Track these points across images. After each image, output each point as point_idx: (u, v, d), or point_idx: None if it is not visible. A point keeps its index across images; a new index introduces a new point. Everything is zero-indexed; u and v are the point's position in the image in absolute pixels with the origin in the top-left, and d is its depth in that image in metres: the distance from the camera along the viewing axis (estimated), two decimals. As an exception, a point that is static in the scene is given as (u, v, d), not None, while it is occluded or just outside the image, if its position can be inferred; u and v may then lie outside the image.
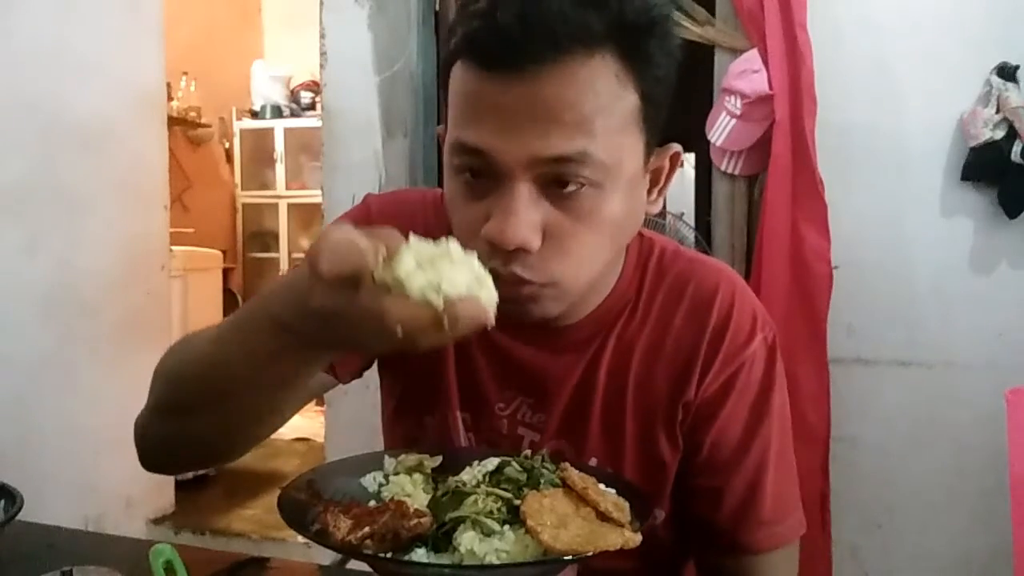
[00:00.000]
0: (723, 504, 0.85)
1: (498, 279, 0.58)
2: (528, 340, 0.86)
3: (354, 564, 0.85)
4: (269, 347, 0.62)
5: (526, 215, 0.69)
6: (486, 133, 0.69)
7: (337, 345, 0.61)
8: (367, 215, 0.89)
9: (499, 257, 0.69)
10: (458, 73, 0.72)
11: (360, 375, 0.92)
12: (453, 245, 0.56)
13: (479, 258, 0.58)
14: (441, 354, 0.88)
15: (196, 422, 0.73)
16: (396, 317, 0.52)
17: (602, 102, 0.69)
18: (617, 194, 0.72)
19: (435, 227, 0.76)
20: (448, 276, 0.53)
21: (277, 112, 5.09)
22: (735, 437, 0.84)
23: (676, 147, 0.80)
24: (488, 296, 0.56)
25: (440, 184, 0.87)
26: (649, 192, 0.80)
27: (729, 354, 0.84)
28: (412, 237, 0.55)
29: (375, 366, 0.94)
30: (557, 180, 0.70)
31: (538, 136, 0.68)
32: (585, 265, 0.74)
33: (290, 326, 0.60)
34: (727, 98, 2.12)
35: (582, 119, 0.68)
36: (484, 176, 0.71)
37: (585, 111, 0.68)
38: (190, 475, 3.11)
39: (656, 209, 0.82)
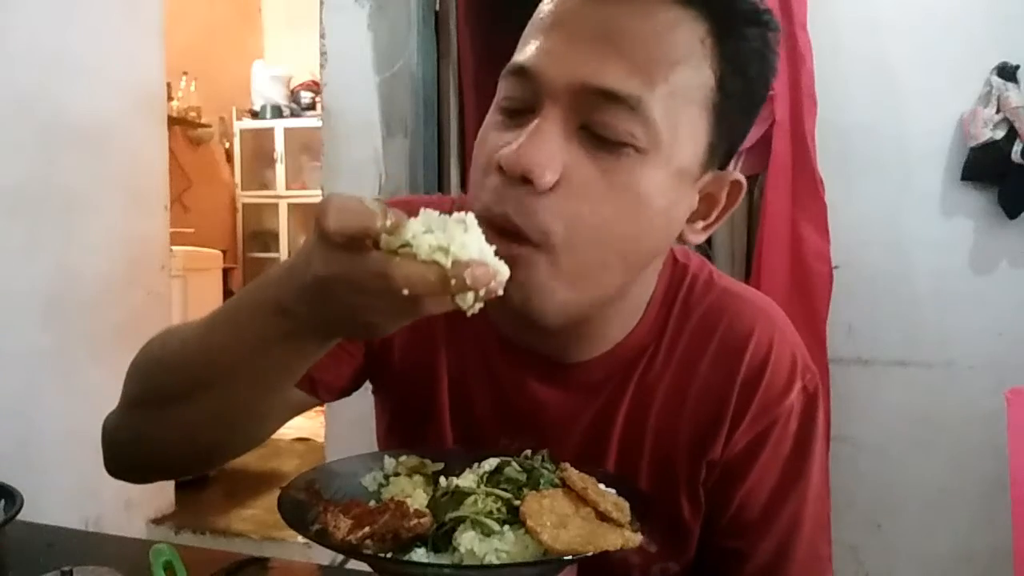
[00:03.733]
0: (747, 567, 0.77)
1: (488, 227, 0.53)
2: (536, 376, 0.77)
3: (354, 564, 0.84)
4: (262, 333, 0.59)
5: (548, 143, 0.61)
6: (540, 51, 0.64)
7: (336, 323, 0.56)
8: None
9: (500, 188, 0.63)
10: None
11: (347, 394, 0.85)
12: (469, 216, 0.52)
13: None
14: (433, 381, 0.80)
15: (170, 416, 0.67)
16: (402, 277, 0.49)
17: (676, 56, 0.62)
18: (660, 174, 0.64)
19: None
20: (458, 239, 0.50)
21: (277, 112, 5.09)
22: (764, 497, 0.76)
23: (739, 176, 0.70)
24: (501, 269, 0.53)
25: (440, 187, 0.86)
26: (694, 219, 0.70)
27: (763, 406, 0.74)
28: (423, 210, 0.52)
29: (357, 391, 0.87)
30: (600, 128, 0.62)
31: (595, 59, 0.61)
32: (591, 238, 0.63)
33: (287, 309, 0.57)
34: (727, 98, 2.12)
35: (649, 61, 0.61)
36: (524, 113, 0.65)
37: (655, 54, 0.62)
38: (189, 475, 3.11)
39: (698, 240, 0.72)
